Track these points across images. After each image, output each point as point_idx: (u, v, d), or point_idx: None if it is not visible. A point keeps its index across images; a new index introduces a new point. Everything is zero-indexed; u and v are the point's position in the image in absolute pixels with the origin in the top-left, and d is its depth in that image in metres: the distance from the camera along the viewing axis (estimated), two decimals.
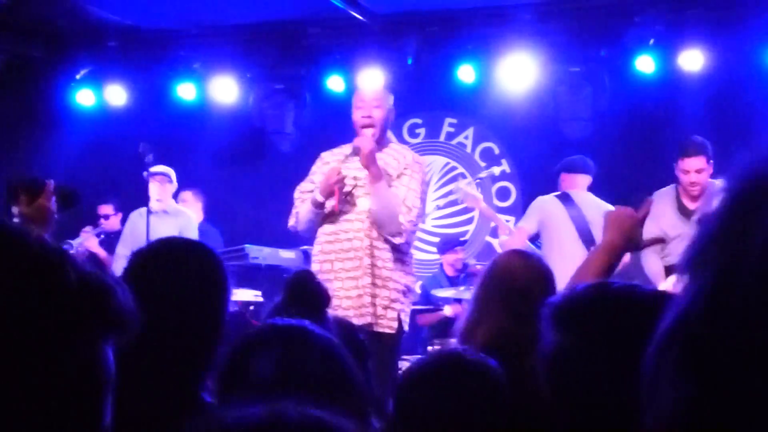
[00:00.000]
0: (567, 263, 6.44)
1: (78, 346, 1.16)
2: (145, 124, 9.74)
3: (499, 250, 7.81)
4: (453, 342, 3.69)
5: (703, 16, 8.49)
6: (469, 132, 10.29)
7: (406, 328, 5.70)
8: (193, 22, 9.66)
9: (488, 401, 2.14)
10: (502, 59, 9.12)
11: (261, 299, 7.86)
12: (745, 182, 1.06)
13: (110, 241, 8.71)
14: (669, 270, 6.56)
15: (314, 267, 5.53)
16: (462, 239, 9.82)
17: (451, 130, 10.35)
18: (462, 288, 8.06)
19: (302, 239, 7.14)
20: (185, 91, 10.04)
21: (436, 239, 9.78)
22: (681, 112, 8.84)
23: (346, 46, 9.55)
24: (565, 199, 7.18)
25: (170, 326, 2.27)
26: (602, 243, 3.02)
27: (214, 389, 2.09)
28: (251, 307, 8.01)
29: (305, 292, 2.80)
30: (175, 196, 8.64)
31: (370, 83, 8.49)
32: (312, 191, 5.70)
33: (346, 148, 5.81)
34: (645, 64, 8.81)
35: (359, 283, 5.48)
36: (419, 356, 7.75)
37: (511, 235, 7.26)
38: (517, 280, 3.51)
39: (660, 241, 2.92)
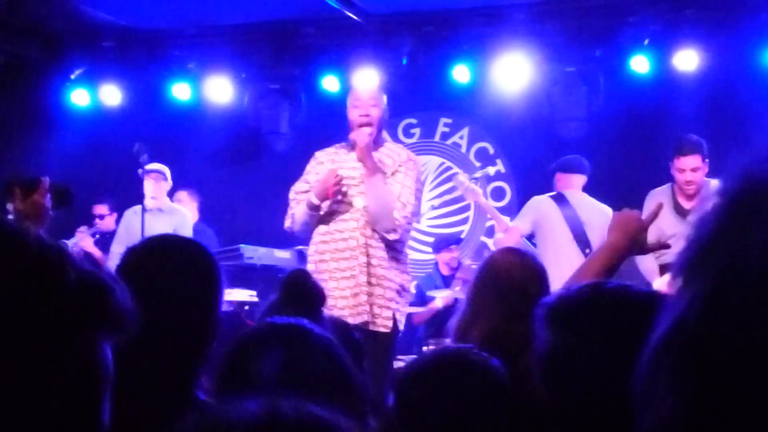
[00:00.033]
0: (561, 264, 6.49)
1: (77, 345, 1.16)
2: (140, 124, 9.74)
3: (494, 249, 7.81)
4: (448, 341, 3.67)
5: (698, 16, 8.50)
6: (464, 132, 10.29)
7: (401, 327, 5.70)
8: (188, 22, 9.65)
9: (492, 402, 2.14)
10: (497, 59, 9.12)
11: (256, 299, 7.86)
12: (742, 185, 1.06)
13: (105, 240, 8.70)
14: (663, 268, 6.57)
15: (309, 267, 5.53)
16: (458, 238, 9.82)
17: (446, 130, 10.35)
18: (458, 288, 8.06)
19: (297, 239, 7.14)
20: (180, 91, 10.03)
21: (431, 239, 9.78)
22: (676, 112, 8.85)
23: (341, 46, 9.54)
24: (560, 199, 7.18)
25: (163, 322, 2.26)
26: (606, 244, 3.00)
27: (213, 388, 2.08)
28: (246, 307, 8.01)
29: (301, 292, 2.80)
30: (171, 195, 8.63)
31: (366, 83, 8.50)
32: (307, 191, 5.70)
33: (341, 148, 5.82)
34: (640, 64, 8.82)
35: (355, 282, 5.49)
36: (414, 356, 7.76)
37: (505, 234, 7.26)
38: (512, 279, 3.51)
39: (665, 246, 2.93)
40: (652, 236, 3.15)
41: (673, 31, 8.59)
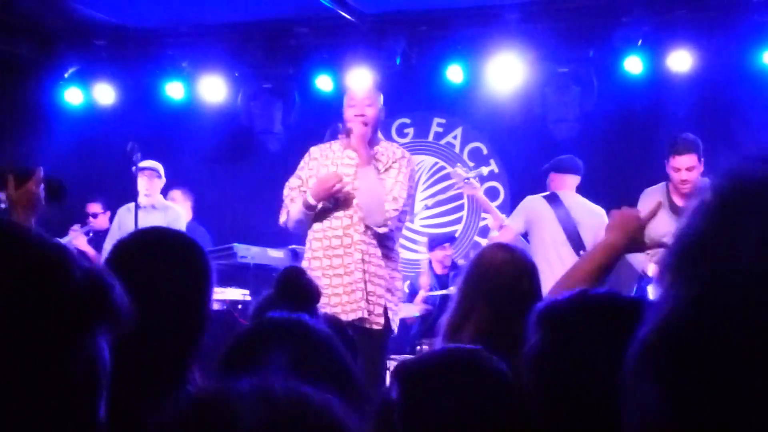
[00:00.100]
0: (554, 264, 6.51)
1: (80, 343, 1.16)
2: (133, 123, 9.73)
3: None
4: (439, 340, 3.66)
5: (691, 16, 8.51)
6: (458, 132, 10.30)
7: (395, 327, 5.70)
8: (181, 21, 9.65)
9: (497, 406, 2.14)
10: (490, 59, 9.13)
11: (249, 298, 7.86)
12: (731, 183, 1.06)
13: (98, 239, 8.69)
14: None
15: (303, 264, 5.54)
16: (452, 236, 9.83)
17: (440, 130, 10.36)
18: (452, 288, 8.05)
19: (291, 238, 7.15)
20: (173, 90, 10.03)
21: (425, 239, 9.79)
22: (669, 113, 8.86)
23: (334, 45, 9.54)
24: (553, 199, 7.18)
25: (152, 315, 2.24)
26: (604, 242, 3.00)
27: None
28: (239, 306, 8.00)
29: (296, 289, 2.80)
30: (164, 194, 8.63)
31: (362, 82, 8.51)
32: (300, 187, 5.72)
33: (335, 145, 5.83)
34: (633, 64, 8.83)
35: (350, 279, 5.49)
36: (408, 355, 7.76)
37: (500, 232, 7.27)
38: (502, 275, 3.50)
39: (663, 245, 2.94)
40: (645, 234, 3.16)
41: (667, 31, 8.60)
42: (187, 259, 2.46)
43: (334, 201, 5.61)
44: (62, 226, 8.76)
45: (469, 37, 9.17)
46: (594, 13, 8.81)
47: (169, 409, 1.08)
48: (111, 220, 8.70)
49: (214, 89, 9.91)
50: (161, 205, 8.34)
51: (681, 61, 8.64)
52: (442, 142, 10.33)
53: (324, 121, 7.25)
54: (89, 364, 1.17)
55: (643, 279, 6.77)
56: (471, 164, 9.90)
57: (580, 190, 7.35)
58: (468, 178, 7.77)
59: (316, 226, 5.64)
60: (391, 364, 6.88)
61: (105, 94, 10.13)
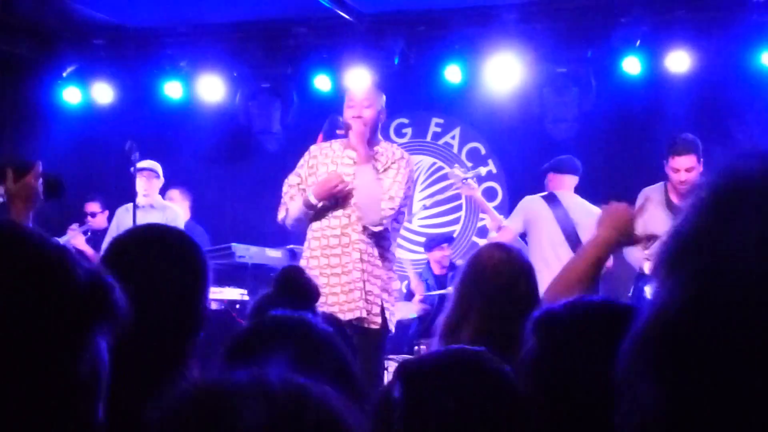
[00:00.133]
0: (552, 263, 6.50)
1: (84, 343, 1.17)
2: (131, 122, 9.72)
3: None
4: (436, 340, 3.65)
5: (689, 17, 8.52)
6: (456, 132, 10.30)
7: (392, 327, 5.71)
8: (179, 20, 9.65)
9: (500, 409, 2.14)
10: (488, 59, 9.13)
11: (247, 298, 7.85)
12: (724, 180, 1.07)
13: (97, 238, 8.69)
14: None
15: (302, 263, 5.54)
16: (449, 236, 9.83)
17: (438, 130, 10.36)
18: (451, 288, 8.05)
19: (289, 238, 7.15)
20: (172, 90, 10.02)
21: (423, 239, 9.79)
22: (667, 114, 8.85)
23: (332, 45, 9.54)
24: (552, 199, 7.19)
25: (149, 312, 2.24)
26: (595, 237, 3.03)
27: None
28: (237, 306, 8.01)
29: (295, 288, 2.80)
30: (163, 194, 8.63)
31: (361, 83, 8.51)
32: (299, 184, 5.73)
33: (336, 144, 5.84)
34: (631, 65, 8.83)
35: (348, 278, 5.50)
36: (406, 355, 7.76)
37: (499, 233, 7.27)
38: (500, 275, 3.50)
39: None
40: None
41: (665, 32, 8.61)
42: (184, 255, 2.45)
43: (334, 200, 5.62)
44: (60, 225, 8.76)
45: (467, 37, 9.17)
46: (592, 14, 8.81)
47: (167, 401, 1.09)
48: (109, 219, 8.70)
49: (212, 89, 9.91)
50: (159, 204, 8.34)
51: (679, 61, 8.65)
52: (441, 142, 10.33)
53: (322, 121, 7.24)
54: (90, 364, 1.18)
55: (640, 279, 6.78)
56: (469, 164, 9.90)
57: (579, 190, 7.36)
58: (466, 179, 7.78)
59: (315, 225, 5.65)
60: (389, 364, 6.89)
61: (103, 93, 10.13)
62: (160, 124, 9.99)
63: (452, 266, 9.16)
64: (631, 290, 6.90)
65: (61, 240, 8.44)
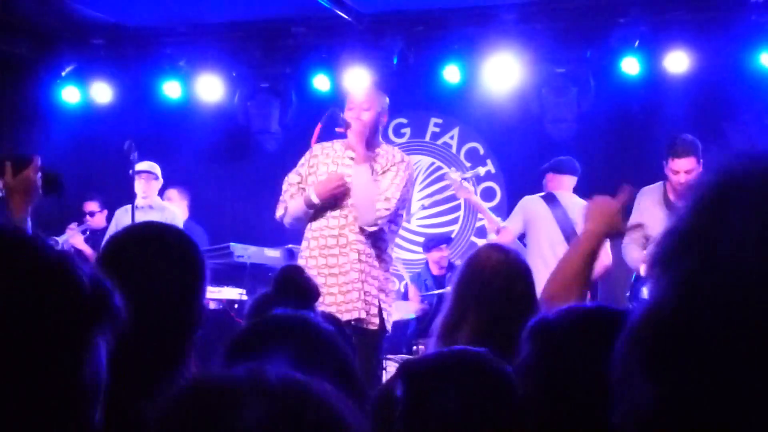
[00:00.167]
0: (551, 264, 6.45)
1: (86, 346, 1.17)
2: (130, 121, 9.72)
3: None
4: (433, 340, 3.66)
5: (688, 17, 8.52)
6: (455, 132, 10.30)
7: (389, 327, 5.71)
8: (178, 20, 9.64)
9: (501, 410, 2.15)
10: (487, 60, 9.13)
11: (245, 297, 7.86)
12: (719, 178, 1.07)
13: (95, 238, 8.69)
14: None
15: (300, 262, 5.54)
16: (448, 237, 9.83)
17: (437, 130, 10.36)
18: (449, 288, 8.05)
19: (288, 238, 7.14)
20: (171, 89, 10.02)
21: (421, 239, 9.79)
22: (666, 114, 8.86)
23: (331, 45, 9.54)
24: (551, 199, 7.20)
25: (146, 310, 2.24)
26: (584, 232, 3.10)
27: None
28: (236, 306, 8.01)
29: (294, 287, 2.80)
30: (161, 193, 8.64)
31: (361, 84, 8.51)
32: (299, 183, 5.74)
33: (337, 144, 5.84)
34: (630, 65, 8.82)
35: (345, 278, 5.50)
36: (405, 355, 7.77)
37: (498, 235, 7.28)
38: (497, 277, 3.50)
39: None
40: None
41: (664, 32, 8.61)
42: (181, 253, 2.45)
43: (333, 200, 5.62)
44: (59, 225, 8.76)
45: (466, 37, 9.17)
46: (591, 14, 8.81)
47: (166, 399, 1.09)
48: (108, 218, 8.70)
49: (211, 88, 9.91)
50: (158, 205, 8.35)
51: (678, 61, 8.65)
52: (439, 142, 10.33)
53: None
54: (90, 367, 1.18)
55: (638, 281, 6.78)
56: (468, 164, 9.91)
57: (577, 190, 7.37)
58: (466, 178, 7.78)
59: (314, 225, 5.66)
60: (388, 364, 6.89)
61: (102, 92, 10.13)
62: (158, 123, 9.99)
63: (451, 266, 9.15)
64: (629, 292, 6.91)
65: (60, 239, 8.48)
